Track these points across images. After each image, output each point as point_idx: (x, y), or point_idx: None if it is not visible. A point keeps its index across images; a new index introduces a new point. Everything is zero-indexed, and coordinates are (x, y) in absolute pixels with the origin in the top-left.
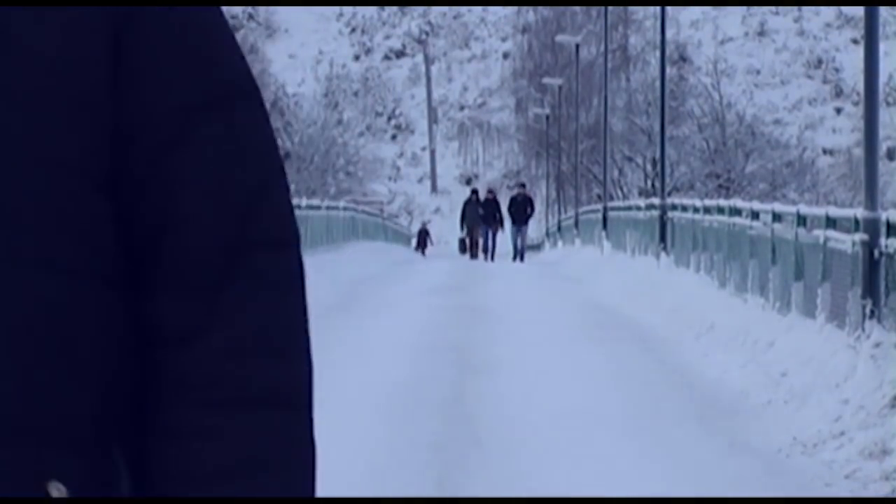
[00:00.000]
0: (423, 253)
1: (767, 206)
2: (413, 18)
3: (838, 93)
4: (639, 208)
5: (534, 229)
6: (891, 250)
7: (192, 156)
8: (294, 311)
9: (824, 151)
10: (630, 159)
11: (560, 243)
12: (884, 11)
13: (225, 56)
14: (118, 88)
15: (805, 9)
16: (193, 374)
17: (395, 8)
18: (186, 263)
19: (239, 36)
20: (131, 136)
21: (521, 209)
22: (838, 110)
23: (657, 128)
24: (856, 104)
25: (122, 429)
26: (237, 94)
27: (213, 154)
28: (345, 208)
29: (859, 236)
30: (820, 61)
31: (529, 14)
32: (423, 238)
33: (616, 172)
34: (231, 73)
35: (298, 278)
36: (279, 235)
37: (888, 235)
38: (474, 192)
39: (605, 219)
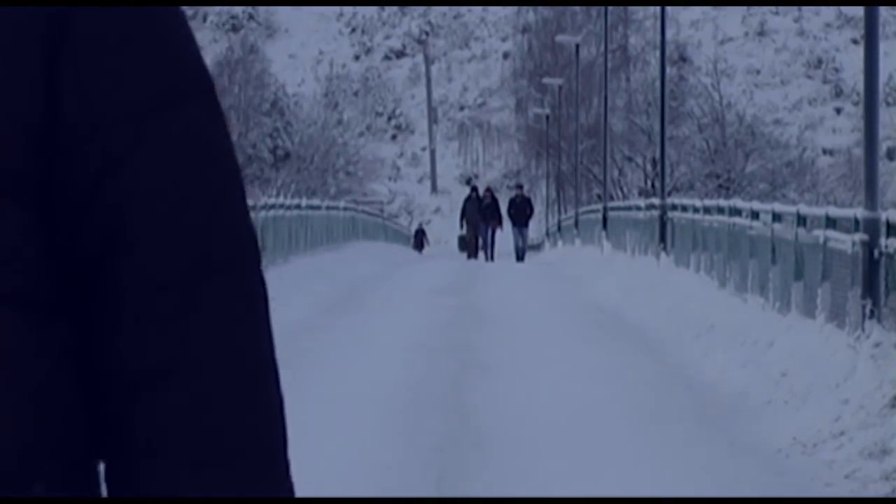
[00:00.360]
0: (420, 252)
1: (767, 206)
2: (413, 18)
3: (838, 93)
4: (639, 208)
5: (534, 229)
6: (891, 250)
7: (146, 162)
8: (262, 336)
9: (824, 151)
10: (630, 159)
11: (560, 243)
12: (884, 11)
13: (177, 51)
14: (56, 94)
15: (805, 9)
16: (163, 428)
17: (395, 8)
18: (142, 291)
19: (239, 36)
20: (74, 146)
21: (521, 211)
22: (838, 110)
23: (657, 128)
24: (856, 104)
25: (53, 465)
26: (192, 91)
27: (168, 159)
28: (345, 208)
29: (859, 236)
30: (820, 61)
31: (529, 14)
32: (419, 238)
33: (616, 172)
34: (185, 68)
35: (263, 298)
36: (242, 251)
37: (888, 235)
38: (474, 189)
39: (605, 219)
